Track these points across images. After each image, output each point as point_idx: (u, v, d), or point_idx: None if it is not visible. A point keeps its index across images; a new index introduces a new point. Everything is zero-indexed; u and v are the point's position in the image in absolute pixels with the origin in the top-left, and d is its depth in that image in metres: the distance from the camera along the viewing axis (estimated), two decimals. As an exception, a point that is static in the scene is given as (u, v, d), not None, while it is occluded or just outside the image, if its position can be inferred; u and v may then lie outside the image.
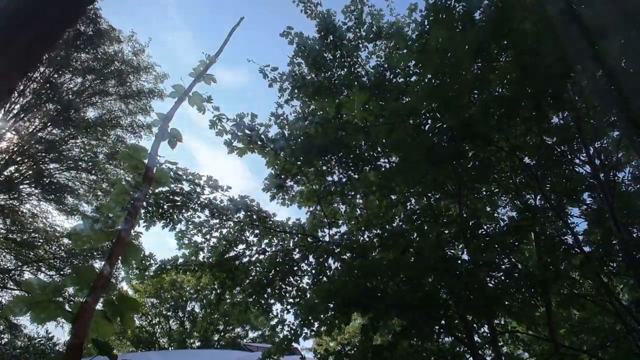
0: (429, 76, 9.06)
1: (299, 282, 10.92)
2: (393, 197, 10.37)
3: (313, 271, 10.86)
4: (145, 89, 19.60)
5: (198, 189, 10.05)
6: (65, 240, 17.64)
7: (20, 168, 18.18)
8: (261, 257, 10.88)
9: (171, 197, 9.77)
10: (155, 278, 10.68)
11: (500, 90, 8.34)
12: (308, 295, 10.41)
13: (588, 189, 9.60)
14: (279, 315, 10.55)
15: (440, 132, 8.48)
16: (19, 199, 17.79)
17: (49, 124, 17.99)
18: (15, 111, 17.07)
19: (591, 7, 7.17)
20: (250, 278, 10.76)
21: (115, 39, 18.25)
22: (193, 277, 10.80)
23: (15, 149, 17.40)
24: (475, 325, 9.13)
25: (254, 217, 10.50)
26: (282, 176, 10.95)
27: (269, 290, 10.61)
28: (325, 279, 10.34)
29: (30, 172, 18.15)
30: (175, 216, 10.07)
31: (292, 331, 10.01)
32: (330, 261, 10.48)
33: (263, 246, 10.89)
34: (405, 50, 10.23)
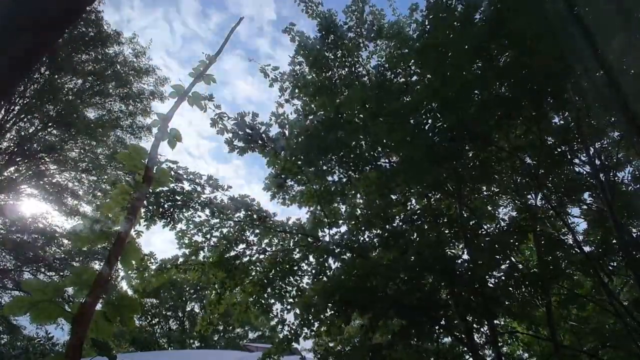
0: (429, 76, 9.06)
1: (299, 282, 10.92)
2: (393, 197, 10.37)
3: (313, 271, 10.86)
4: (146, 91, 19.57)
5: (198, 189, 10.05)
6: (65, 241, 17.63)
7: (20, 168, 18.18)
8: (261, 256, 10.87)
9: (171, 196, 9.77)
10: (155, 277, 10.67)
11: (500, 90, 8.34)
12: (307, 294, 10.41)
13: (588, 189, 9.60)
14: (279, 315, 10.56)
15: (441, 131, 8.48)
16: (19, 199, 17.80)
17: (49, 124, 17.97)
18: (15, 111, 17.07)
19: (591, 7, 7.16)
20: (251, 278, 10.76)
21: (115, 40, 18.22)
22: (193, 277, 10.77)
23: (15, 150, 17.39)
24: (475, 325, 9.13)
25: (254, 216, 10.50)
26: (283, 176, 10.94)
27: (269, 290, 10.61)
28: (325, 278, 10.34)
29: (30, 172, 18.15)
30: (175, 215, 10.06)
31: (292, 331, 10.01)
32: (330, 261, 10.48)
33: (263, 246, 10.89)
34: (406, 50, 10.22)
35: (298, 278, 10.92)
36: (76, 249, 16.53)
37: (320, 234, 11.06)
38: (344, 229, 11.10)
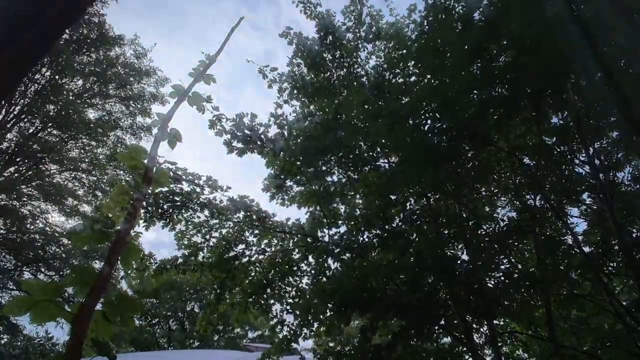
0: (428, 76, 9.07)
1: (298, 282, 10.93)
2: (392, 197, 10.37)
3: (312, 271, 10.87)
4: (146, 92, 19.59)
5: (197, 189, 10.05)
6: (65, 241, 17.63)
7: (21, 169, 18.18)
8: (261, 257, 10.88)
9: (171, 197, 9.77)
10: (154, 278, 10.67)
11: (499, 90, 8.34)
12: (307, 296, 10.42)
13: (588, 189, 9.59)
14: (279, 316, 10.57)
15: (440, 132, 8.49)
16: (19, 199, 17.79)
17: (49, 124, 17.98)
18: (16, 112, 17.08)
19: (591, 7, 7.17)
20: (250, 278, 10.76)
21: (117, 42, 18.23)
22: (192, 277, 10.78)
23: (15, 150, 17.39)
24: (474, 325, 9.13)
25: (254, 217, 10.50)
26: (282, 176, 10.95)
27: (268, 290, 10.61)
28: (324, 279, 10.34)
29: (31, 172, 18.15)
30: (174, 216, 10.06)
31: (292, 331, 10.02)
32: (330, 261, 10.49)
33: (262, 246, 10.89)
34: (404, 51, 10.22)
35: (297, 278, 10.94)
36: (76, 249, 16.54)
37: (319, 234, 11.08)
38: (343, 229, 11.12)
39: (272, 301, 10.69)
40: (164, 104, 19.47)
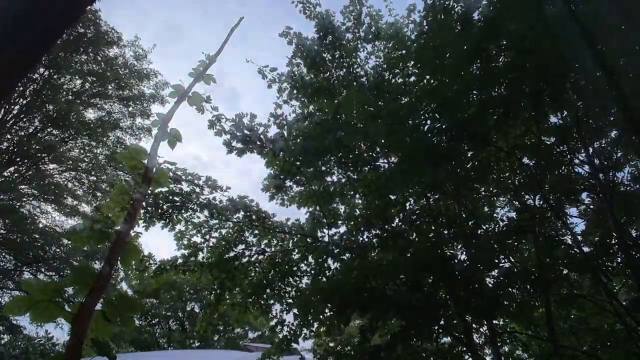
0: (428, 77, 9.07)
1: (298, 282, 10.93)
2: (392, 197, 10.38)
3: (312, 271, 10.87)
4: (146, 93, 19.57)
5: (197, 190, 10.05)
6: (65, 241, 17.61)
7: (20, 169, 18.17)
8: (260, 257, 10.88)
9: (170, 197, 9.77)
10: (154, 278, 10.67)
11: (499, 90, 8.35)
12: (307, 292, 10.42)
13: (587, 189, 9.59)
14: (279, 316, 10.57)
15: (439, 132, 8.49)
16: (19, 199, 17.77)
17: (49, 124, 17.97)
18: (15, 111, 17.06)
19: (591, 7, 7.17)
20: (250, 278, 10.76)
21: (114, 41, 18.20)
22: (192, 278, 10.78)
23: (15, 150, 17.38)
24: (474, 325, 9.12)
25: (253, 217, 10.50)
26: (282, 176, 10.95)
27: (268, 290, 10.61)
28: (324, 279, 10.34)
29: (30, 172, 18.14)
30: (174, 216, 10.06)
31: (292, 331, 10.02)
32: (330, 261, 10.49)
33: (262, 246, 10.89)
34: (404, 51, 10.23)
35: (297, 278, 10.93)
36: (76, 249, 16.52)
37: (319, 234, 11.08)
38: (343, 229, 11.13)
39: (272, 301, 10.69)
40: (163, 104, 19.47)
